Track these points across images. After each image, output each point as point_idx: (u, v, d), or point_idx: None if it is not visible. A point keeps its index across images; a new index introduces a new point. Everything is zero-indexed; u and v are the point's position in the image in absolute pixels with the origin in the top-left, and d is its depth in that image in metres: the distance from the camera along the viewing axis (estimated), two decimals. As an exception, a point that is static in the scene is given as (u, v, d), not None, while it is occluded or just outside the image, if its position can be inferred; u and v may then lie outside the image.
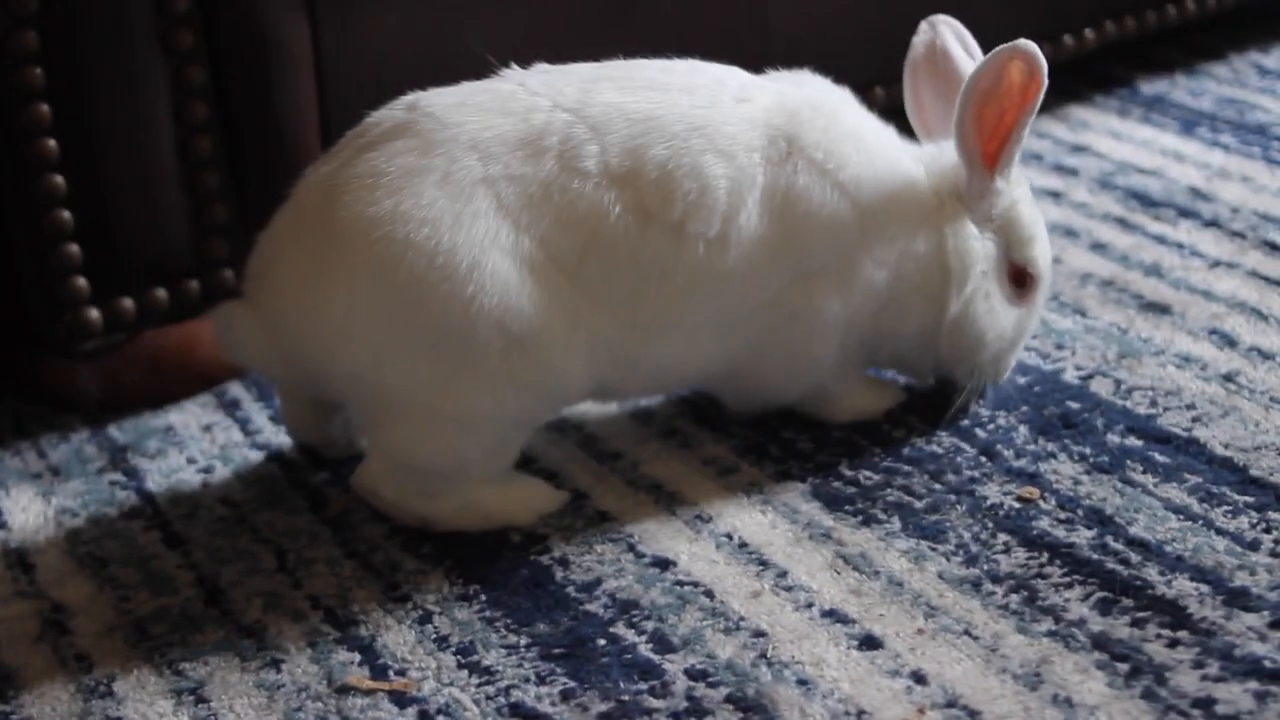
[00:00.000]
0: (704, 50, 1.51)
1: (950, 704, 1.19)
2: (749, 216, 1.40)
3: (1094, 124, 2.22)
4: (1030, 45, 1.41)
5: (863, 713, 1.19)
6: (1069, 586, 1.31)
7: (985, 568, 1.34)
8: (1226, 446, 1.47)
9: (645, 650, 1.28)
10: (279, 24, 1.61)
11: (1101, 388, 1.58)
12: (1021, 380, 1.59)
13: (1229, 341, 1.64)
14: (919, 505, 1.43)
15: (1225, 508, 1.38)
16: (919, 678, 1.22)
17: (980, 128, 1.44)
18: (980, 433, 1.52)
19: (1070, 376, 1.60)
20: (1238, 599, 1.27)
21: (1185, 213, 1.93)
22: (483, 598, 1.36)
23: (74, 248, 1.57)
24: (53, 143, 1.53)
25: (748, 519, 1.43)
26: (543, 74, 1.45)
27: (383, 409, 1.40)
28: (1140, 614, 1.27)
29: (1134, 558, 1.33)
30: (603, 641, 1.29)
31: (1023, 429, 1.52)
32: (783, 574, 1.35)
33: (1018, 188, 1.50)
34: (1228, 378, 1.58)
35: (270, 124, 1.63)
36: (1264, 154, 2.07)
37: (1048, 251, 1.53)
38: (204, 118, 1.60)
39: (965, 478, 1.46)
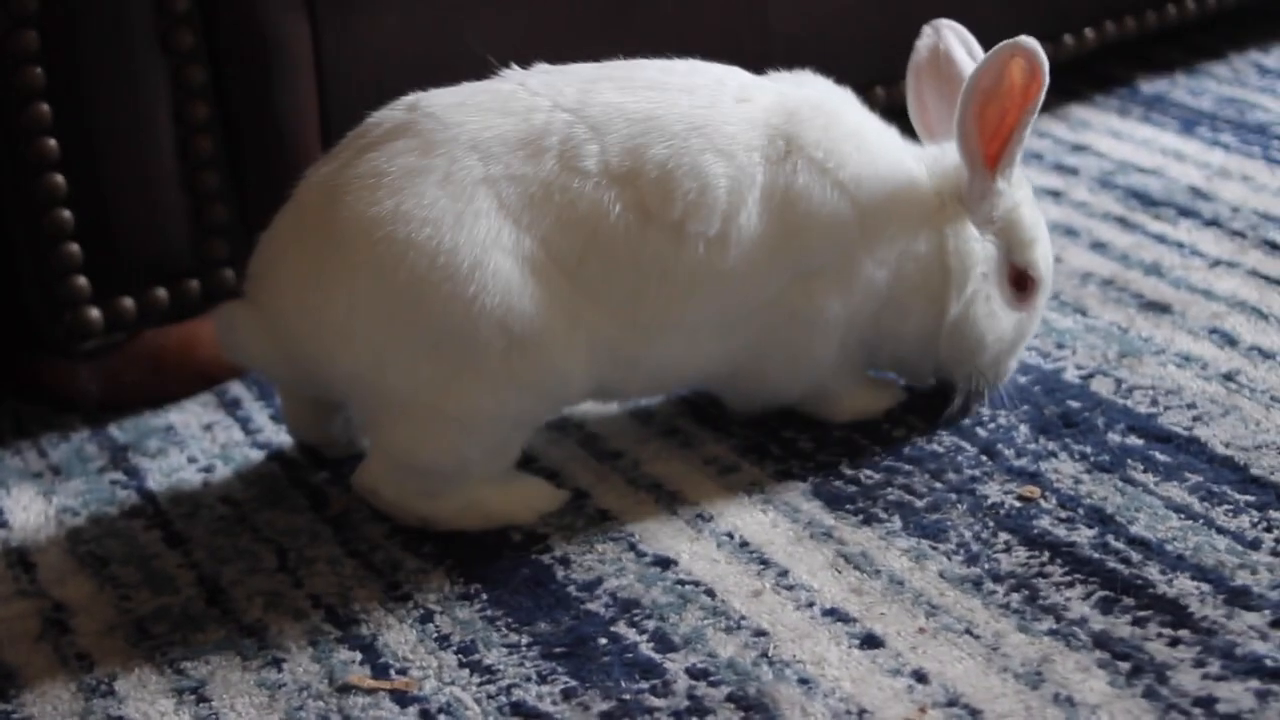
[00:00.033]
0: (704, 50, 1.51)
1: (951, 703, 1.20)
2: (749, 216, 1.40)
3: (1094, 123, 2.22)
4: (1031, 42, 1.41)
5: (864, 711, 1.20)
6: (1070, 585, 1.31)
7: (986, 567, 1.34)
8: (1227, 445, 1.47)
9: (646, 649, 1.28)
10: (279, 24, 1.61)
11: (1102, 387, 1.58)
12: (1022, 379, 1.59)
13: (1229, 341, 1.64)
14: (920, 504, 1.43)
15: (1226, 507, 1.38)
16: (920, 677, 1.22)
17: (982, 128, 1.44)
18: (981, 432, 1.52)
19: (1071, 376, 1.60)
20: (1239, 598, 1.27)
21: (1185, 212, 1.93)
22: (484, 597, 1.36)
23: (74, 247, 1.57)
24: (53, 142, 1.53)
25: (749, 518, 1.43)
26: (543, 74, 1.45)
27: (384, 409, 1.40)
28: (1141, 613, 1.27)
29: (1135, 557, 1.33)
30: (604, 640, 1.29)
31: (1023, 428, 1.52)
32: (784, 573, 1.35)
33: (1019, 190, 1.50)
34: (1228, 377, 1.58)
35: (270, 124, 1.63)
36: (1264, 153, 2.07)
37: (1049, 254, 1.53)
38: (204, 117, 1.60)
39: (966, 477, 1.46)
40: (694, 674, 1.25)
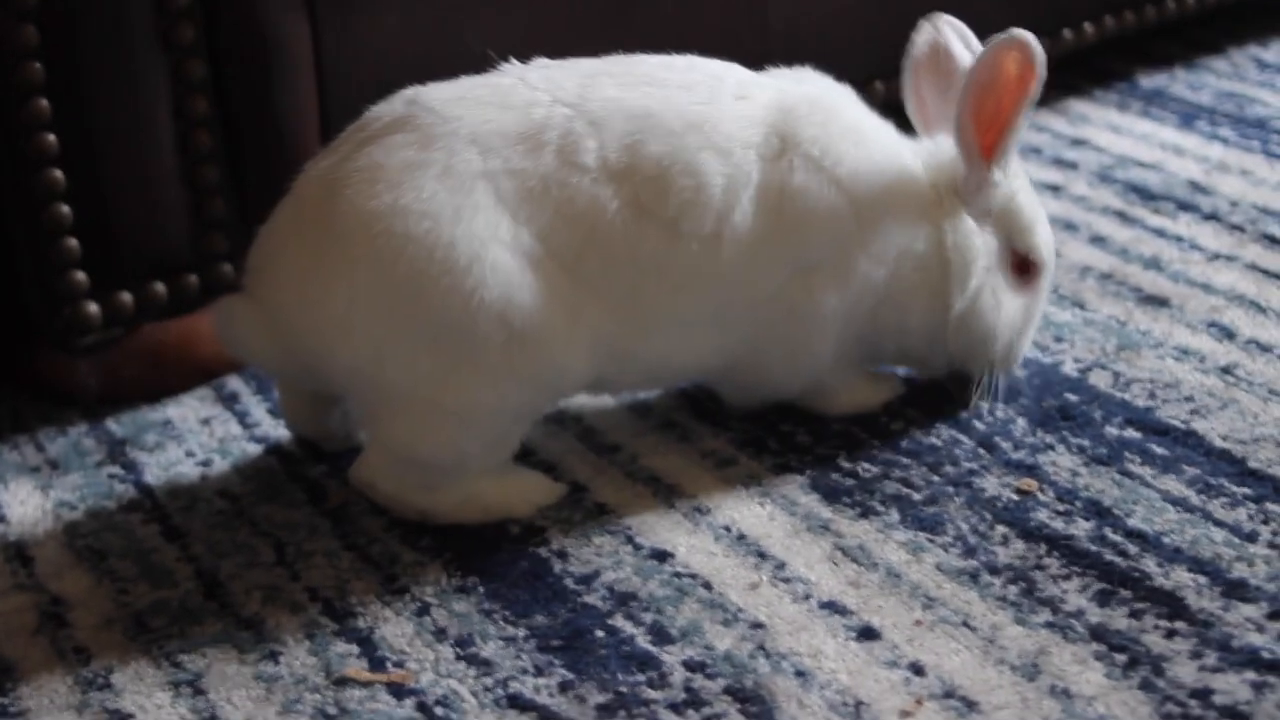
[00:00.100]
0: (704, 49, 1.51)
1: (948, 695, 1.20)
2: (744, 213, 1.40)
3: (1093, 118, 2.22)
4: (1025, 34, 1.41)
5: (860, 703, 1.20)
6: (1067, 578, 1.31)
7: (983, 559, 1.34)
8: (1225, 438, 1.47)
9: (643, 642, 1.28)
10: (279, 23, 1.61)
11: (1100, 380, 1.58)
12: (1020, 372, 1.59)
13: (1228, 334, 1.64)
14: (917, 497, 1.43)
15: (1223, 499, 1.39)
16: (917, 669, 1.23)
17: (978, 120, 1.44)
18: (979, 425, 1.52)
19: (1069, 369, 1.60)
20: (1235, 590, 1.27)
21: (1184, 206, 1.93)
22: (481, 590, 1.36)
23: (73, 242, 1.57)
24: (52, 138, 1.54)
25: (746, 511, 1.43)
26: (542, 69, 1.45)
27: (383, 402, 1.40)
28: (1138, 605, 1.27)
29: (1132, 549, 1.33)
30: (601, 633, 1.29)
31: (1021, 421, 1.52)
32: (781, 566, 1.36)
33: (1016, 180, 1.50)
34: (1226, 370, 1.58)
35: (270, 122, 1.63)
36: (1263, 147, 2.07)
37: (1049, 237, 1.53)
38: (204, 113, 1.60)
39: (964, 470, 1.46)
40: (691, 666, 1.25)
